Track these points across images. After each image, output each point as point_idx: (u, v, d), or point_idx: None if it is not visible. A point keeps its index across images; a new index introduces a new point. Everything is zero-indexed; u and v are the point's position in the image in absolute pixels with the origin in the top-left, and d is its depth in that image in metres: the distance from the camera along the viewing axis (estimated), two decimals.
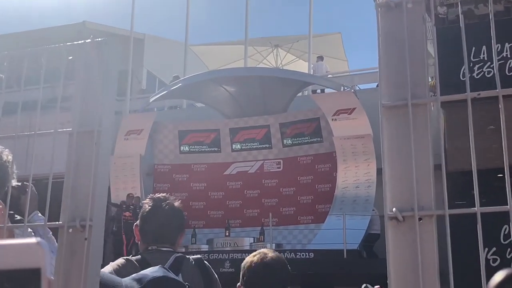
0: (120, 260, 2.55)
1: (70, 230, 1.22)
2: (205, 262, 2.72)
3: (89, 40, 1.32)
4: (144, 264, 2.43)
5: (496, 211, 1.00)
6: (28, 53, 1.39)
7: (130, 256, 2.66)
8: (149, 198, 2.80)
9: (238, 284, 2.46)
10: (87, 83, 1.29)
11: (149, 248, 2.65)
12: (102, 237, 1.25)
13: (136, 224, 2.76)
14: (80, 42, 1.32)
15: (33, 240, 0.63)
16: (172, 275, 1.56)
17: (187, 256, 2.68)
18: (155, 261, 2.45)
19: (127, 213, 15.08)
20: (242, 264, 2.47)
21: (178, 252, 2.65)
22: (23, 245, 0.62)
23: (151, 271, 1.55)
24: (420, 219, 1.02)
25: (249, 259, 2.47)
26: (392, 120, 1.08)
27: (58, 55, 1.39)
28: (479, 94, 1.02)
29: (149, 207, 2.73)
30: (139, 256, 2.62)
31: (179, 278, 2.43)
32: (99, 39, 1.31)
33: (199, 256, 2.78)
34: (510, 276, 2.02)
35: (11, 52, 1.44)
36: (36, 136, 1.31)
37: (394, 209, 1.04)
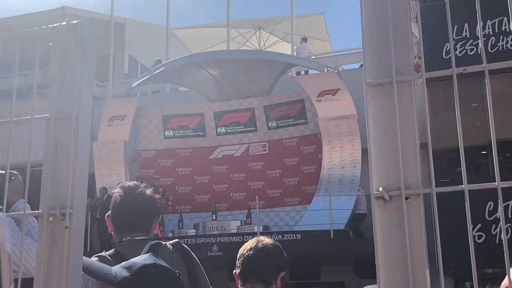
0: (93, 259, 2.50)
1: (50, 218, 1.19)
2: (184, 245, 2.69)
3: (64, 23, 1.28)
4: (118, 257, 2.38)
5: (484, 188, 0.99)
6: (2, 38, 1.35)
7: (103, 252, 2.60)
8: (119, 187, 2.74)
9: (234, 271, 2.46)
10: (64, 67, 1.26)
11: (123, 239, 2.61)
12: (83, 225, 1.22)
13: (108, 214, 2.71)
14: (55, 25, 1.28)
15: None
16: (162, 262, 1.54)
17: (164, 242, 2.64)
18: (129, 252, 2.40)
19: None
20: (239, 251, 2.48)
21: (153, 240, 2.62)
22: None
23: (141, 259, 1.53)
24: (407, 198, 1.01)
25: (245, 245, 2.47)
26: (377, 98, 1.06)
27: (34, 40, 1.35)
28: (464, 70, 1.00)
29: (120, 197, 2.68)
30: (112, 250, 2.57)
31: None
32: (75, 21, 1.27)
33: (176, 240, 2.75)
34: None
35: None
36: (13, 123, 1.27)
37: (380, 188, 1.02)
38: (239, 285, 2.43)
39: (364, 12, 1.09)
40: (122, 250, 2.51)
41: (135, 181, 2.83)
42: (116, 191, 2.72)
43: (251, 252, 2.43)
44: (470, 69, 1.02)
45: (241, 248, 2.51)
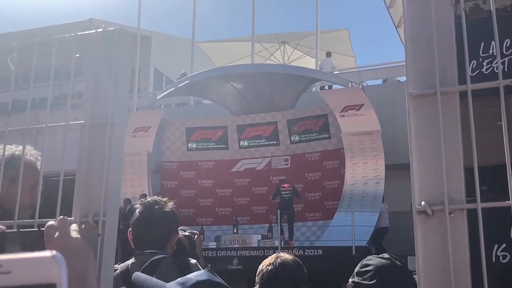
0: None
1: (83, 226, 1.18)
2: (190, 261, 2.66)
3: (100, 30, 1.27)
4: (125, 271, 2.42)
5: None
6: (38, 43, 1.34)
7: (118, 264, 2.60)
8: (139, 203, 2.76)
9: (254, 287, 2.43)
10: (99, 74, 1.25)
11: (136, 253, 2.62)
12: (115, 233, 1.20)
13: (130, 230, 2.73)
14: (91, 31, 1.27)
15: (47, 253, 0.57)
16: (218, 278, 1.51)
17: (168, 257, 2.61)
18: (134, 266, 2.45)
19: None
20: (259, 267, 2.44)
21: (161, 254, 2.59)
22: (36, 258, 0.57)
23: (195, 275, 1.51)
24: (450, 213, 0.97)
25: (265, 261, 2.44)
26: (419, 109, 1.03)
27: (65, 49, 1.35)
28: (511, 81, 0.96)
29: (138, 213, 2.70)
30: (126, 262, 2.59)
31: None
32: (111, 28, 1.26)
33: (184, 257, 2.73)
34: None
35: (21, 43, 1.39)
36: (46, 130, 1.27)
37: (423, 202, 0.98)
38: None
39: (406, 19, 1.06)
40: (130, 266, 2.52)
41: (156, 197, 2.83)
42: (136, 207, 2.75)
43: (270, 267, 2.39)
44: None
45: (260, 264, 2.47)
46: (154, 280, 1.50)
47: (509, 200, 0.95)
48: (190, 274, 1.54)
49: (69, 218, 1.20)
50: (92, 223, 1.17)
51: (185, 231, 3.09)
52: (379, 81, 18.42)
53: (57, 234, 1.09)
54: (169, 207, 2.72)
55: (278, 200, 14.88)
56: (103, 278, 1.15)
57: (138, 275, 1.49)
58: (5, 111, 1.42)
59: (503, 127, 0.98)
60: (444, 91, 1.01)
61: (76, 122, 1.23)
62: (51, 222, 1.11)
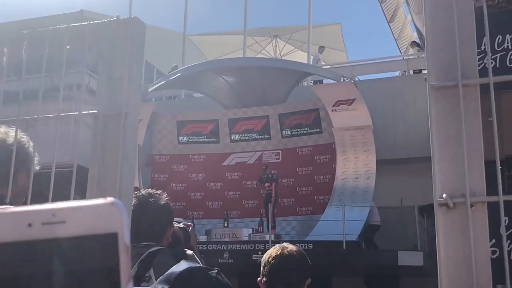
0: None
1: None
2: (187, 252, 2.66)
3: (114, 18, 1.26)
4: None
5: None
6: (50, 32, 1.32)
7: None
8: (134, 196, 2.75)
9: (259, 279, 2.40)
10: (112, 64, 1.23)
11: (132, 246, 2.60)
12: (129, 223, 1.19)
13: None
14: (105, 20, 1.25)
15: (106, 200, 0.51)
16: (195, 264, 1.51)
17: (165, 249, 2.60)
18: (131, 259, 2.41)
19: None
20: (262, 258, 2.43)
21: (157, 246, 2.58)
22: (94, 206, 0.51)
23: (176, 268, 1.50)
24: (472, 206, 0.97)
25: (268, 252, 2.43)
26: (440, 101, 1.03)
27: (58, 41, 1.33)
28: None
29: (132, 206, 2.68)
30: None
31: (150, 273, 2.38)
32: (126, 17, 1.25)
33: (181, 248, 2.72)
34: None
35: (17, 34, 1.37)
36: (59, 119, 1.25)
37: (444, 195, 0.98)
38: None
39: (427, 11, 1.06)
40: None
41: (150, 189, 2.82)
42: None
43: (277, 259, 2.39)
44: None
45: (265, 256, 2.46)
46: None
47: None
48: (172, 268, 1.53)
49: None
50: None
51: (179, 222, 3.08)
52: (372, 76, 18.46)
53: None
54: (164, 200, 2.71)
55: (263, 192, 15.02)
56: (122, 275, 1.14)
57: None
58: None
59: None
60: (466, 83, 1.01)
61: (89, 112, 1.22)
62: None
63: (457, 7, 1.05)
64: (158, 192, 2.78)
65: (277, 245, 2.53)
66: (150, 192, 2.75)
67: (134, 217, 2.66)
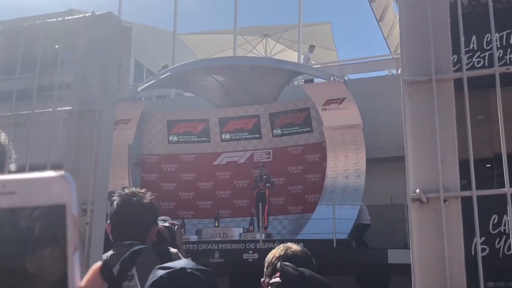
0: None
1: None
2: (171, 251, 2.62)
3: (89, 14, 1.24)
4: (104, 266, 2.38)
5: None
6: (24, 29, 1.31)
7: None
8: (117, 195, 2.73)
9: (262, 279, 2.34)
10: (87, 59, 1.22)
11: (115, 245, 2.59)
12: (104, 222, 1.18)
13: (108, 222, 2.69)
14: (80, 16, 1.24)
15: (55, 173, 0.54)
16: (198, 266, 1.50)
17: (148, 247, 2.58)
18: (113, 257, 2.42)
19: None
20: (266, 258, 2.36)
21: (140, 245, 2.56)
22: (44, 178, 0.53)
23: (179, 262, 1.50)
24: (445, 200, 0.97)
25: (272, 252, 2.36)
26: (414, 96, 1.02)
27: (49, 39, 1.31)
28: (508, 69, 0.96)
29: (116, 205, 2.66)
30: (104, 258, 2.56)
31: (133, 271, 2.36)
32: (101, 12, 1.23)
33: (165, 246, 2.69)
34: None
35: (6, 28, 1.35)
36: (33, 115, 1.23)
37: (417, 190, 0.98)
38: None
39: (402, 8, 1.05)
40: (110, 256, 2.49)
41: (134, 188, 2.80)
42: (114, 199, 2.71)
43: (279, 258, 2.33)
44: None
45: (269, 256, 2.38)
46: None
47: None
48: (176, 262, 1.52)
49: None
50: (80, 211, 1.14)
51: (165, 221, 3.06)
52: (362, 75, 18.51)
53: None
54: (148, 199, 2.69)
55: (255, 192, 14.99)
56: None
57: None
58: None
59: (499, 116, 0.98)
60: (440, 78, 1.01)
61: (64, 109, 1.20)
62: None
63: (431, 4, 1.05)
64: (142, 191, 2.76)
65: (281, 245, 2.46)
66: (134, 191, 2.74)
67: (117, 216, 2.65)
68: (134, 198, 2.66)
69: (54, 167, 1.25)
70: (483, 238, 12.11)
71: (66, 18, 1.24)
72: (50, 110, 1.21)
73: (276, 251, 2.36)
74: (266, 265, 2.35)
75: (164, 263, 2.44)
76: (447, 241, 0.96)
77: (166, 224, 3.02)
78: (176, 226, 3.11)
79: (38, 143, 1.29)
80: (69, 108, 1.18)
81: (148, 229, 2.66)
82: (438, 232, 0.96)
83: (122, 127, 16.41)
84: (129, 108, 16.83)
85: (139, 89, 17.26)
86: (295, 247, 2.42)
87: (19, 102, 1.40)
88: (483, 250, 12.29)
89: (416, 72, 1.02)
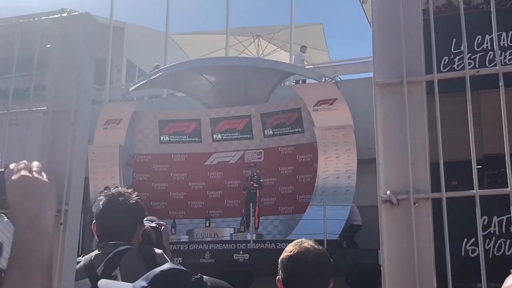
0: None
1: None
2: (156, 250, 2.59)
3: (65, 14, 1.24)
4: (88, 264, 2.39)
5: (495, 194, 0.96)
6: (1, 28, 1.31)
7: (81, 256, 2.54)
8: (103, 195, 2.71)
9: (278, 277, 2.27)
10: (63, 59, 1.22)
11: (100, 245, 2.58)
12: (78, 223, 1.18)
13: (94, 222, 2.68)
14: (56, 16, 1.24)
15: None
16: (181, 267, 1.49)
17: (133, 248, 2.56)
18: (98, 257, 2.42)
19: None
20: (280, 257, 2.28)
21: (125, 245, 2.55)
22: None
23: (159, 268, 1.49)
24: (415, 202, 0.98)
25: (287, 249, 2.28)
26: (386, 98, 1.03)
27: (33, 38, 1.31)
28: (478, 71, 0.97)
29: (102, 205, 2.65)
30: (89, 254, 2.54)
31: (117, 272, 2.36)
32: (77, 12, 1.23)
33: (149, 246, 2.66)
34: None
35: None
36: (9, 115, 1.23)
37: (388, 191, 0.99)
38: None
39: (375, 8, 1.06)
40: (94, 256, 2.49)
41: (120, 188, 2.79)
42: (100, 198, 2.69)
43: (294, 255, 2.25)
44: (484, 70, 0.99)
45: (283, 253, 2.30)
46: (119, 283, 1.48)
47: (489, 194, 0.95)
48: (155, 269, 1.52)
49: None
50: (55, 211, 1.14)
51: (151, 221, 3.05)
52: (353, 76, 18.56)
53: (16, 175, 1.12)
54: (134, 199, 2.67)
55: (246, 192, 15.01)
56: (66, 269, 1.13)
57: (104, 282, 1.47)
58: None
59: (468, 116, 0.99)
60: (411, 80, 1.02)
61: (39, 109, 1.20)
62: (12, 165, 1.14)
63: (403, 6, 1.05)
64: (129, 191, 2.75)
65: (294, 241, 2.35)
66: (120, 191, 2.72)
67: (102, 216, 2.64)
68: (120, 198, 2.64)
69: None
70: (473, 239, 12.19)
71: (42, 18, 1.23)
72: (25, 110, 1.21)
73: (288, 247, 2.27)
74: (279, 262, 2.27)
75: (148, 264, 2.43)
76: (417, 242, 0.96)
77: (153, 224, 3.01)
78: (162, 227, 3.10)
79: (29, 143, 1.29)
80: (44, 108, 1.18)
81: (133, 229, 2.65)
82: (408, 233, 0.96)
83: (113, 126, 16.39)
84: (121, 108, 16.82)
85: (130, 89, 17.24)
86: (308, 242, 2.30)
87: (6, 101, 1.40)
88: (472, 251, 12.35)
89: (388, 74, 1.03)
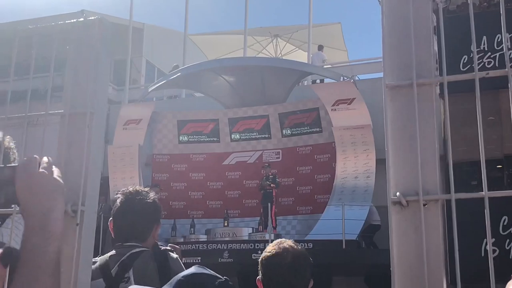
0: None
1: None
2: (171, 254, 2.58)
3: (81, 19, 1.27)
4: (103, 264, 2.41)
5: (504, 195, 0.96)
6: (19, 33, 1.34)
7: (98, 256, 2.55)
8: (120, 193, 2.71)
9: (258, 277, 2.31)
10: (80, 63, 1.25)
11: (116, 245, 2.58)
12: (94, 223, 1.20)
13: (111, 219, 2.68)
14: (73, 20, 1.27)
15: None
16: (206, 270, 1.50)
17: (147, 251, 2.54)
18: (113, 258, 2.43)
19: None
20: (260, 257, 2.32)
21: (141, 247, 2.55)
22: None
23: (183, 272, 1.51)
24: (425, 204, 0.98)
25: (267, 249, 2.32)
26: (396, 100, 1.04)
27: (52, 41, 1.34)
28: (487, 74, 0.97)
29: (119, 203, 2.65)
30: (104, 259, 2.54)
31: (130, 274, 2.37)
32: (93, 17, 1.26)
33: (166, 248, 2.65)
34: None
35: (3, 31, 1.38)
36: (27, 118, 1.26)
37: (397, 193, 0.99)
38: None
39: (385, 11, 1.07)
40: (109, 256, 2.51)
41: (138, 187, 2.79)
42: (117, 197, 2.70)
43: (272, 256, 2.29)
44: (493, 73, 0.99)
45: (264, 254, 2.34)
46: None
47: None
48: (179, 273, 1.53)
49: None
50: (71, 212, 1.17)
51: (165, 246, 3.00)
52: (371, 75, 18.45)
53: (26, 171, 1.11)
54: (151, 198, 2.67)
55: (262, 192, 15.02)
56: (82, 270, 1.16)
57: None
58: None
59: (478, 119, 0.99)
60: (421, 82, 1.02)
61: (56, 112, 1.23)
62: (23, 160, 1.13)
63: (414, 6, 1.06)
64: (146, 189, 2.76)
65: (274, 241, 2.40)
66: (138, 189, 2.73)
67: (119, 213, 2.65)
68: (137, 197, 2.65)
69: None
70: (493, 240, 12.06)
71: (59, 23, 1.26)
72: (42, 113, 1.24)
73: (268, 248, 2.32)
74: (259, 264, 2.33)
75: (160, 268, 2.45)
76: (426, 244, 0.97)
77: (168, 247, 2.92)
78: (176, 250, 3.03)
79: (49, 143, 1.32)
80: (61, 111, 1.21)
81: (150, 228, 2.66)
82: (417, 235, 0.97)
83: (133, 127, 16.52)
84: (140, 109, 16.94)
85: (150, 90, 17.36)
86: (287, 242, 2.33)
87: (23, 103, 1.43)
88: (493, 251, 12.23)
89: (398, 77, 1.04)
